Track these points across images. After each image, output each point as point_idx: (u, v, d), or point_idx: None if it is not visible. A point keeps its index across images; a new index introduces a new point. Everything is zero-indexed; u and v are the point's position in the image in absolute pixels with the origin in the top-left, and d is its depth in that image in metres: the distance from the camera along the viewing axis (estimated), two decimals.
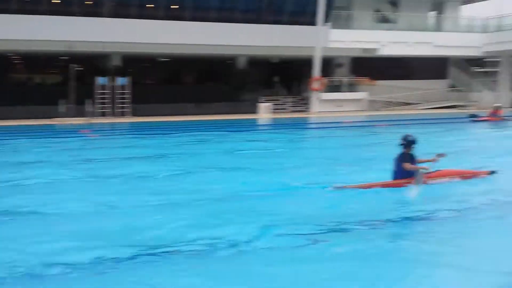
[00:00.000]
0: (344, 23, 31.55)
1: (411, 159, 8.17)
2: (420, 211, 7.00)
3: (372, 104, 33.11)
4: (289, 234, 5.87)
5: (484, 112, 24.92)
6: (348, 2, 32.26)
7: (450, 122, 22.75)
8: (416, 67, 37.81)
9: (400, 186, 8.04)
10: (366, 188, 8.19)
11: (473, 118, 23.41)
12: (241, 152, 13.54)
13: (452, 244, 5.65)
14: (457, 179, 8.56)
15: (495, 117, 22.89)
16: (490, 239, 5.91)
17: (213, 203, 7.41)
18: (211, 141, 15.87)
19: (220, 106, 27.06)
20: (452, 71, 38.69)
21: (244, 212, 6.84)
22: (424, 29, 34.48)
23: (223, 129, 19.64)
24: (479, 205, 7.27)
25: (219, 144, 15.07)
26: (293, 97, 31.60)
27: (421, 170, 8.02)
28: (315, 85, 28.91)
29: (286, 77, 32.04)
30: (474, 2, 38.29)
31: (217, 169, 10.39)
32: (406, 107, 34.07)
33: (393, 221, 6.68)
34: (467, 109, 30.60)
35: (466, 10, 38.01)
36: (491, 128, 20.11)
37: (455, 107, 34.01)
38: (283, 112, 28.96)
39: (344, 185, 8.29)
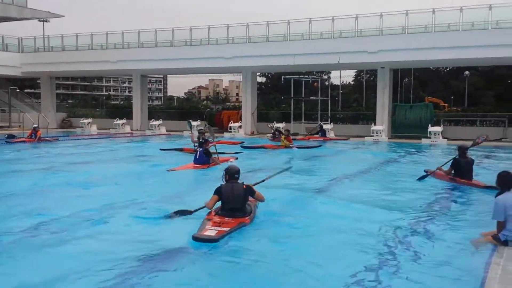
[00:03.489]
0: None
1: (209, 150, 13.32)
2: None
3: None
4: None
5: (25, 133, 24.47)
6: None
7: None
8: None
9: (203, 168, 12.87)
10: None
11: (10, 139, 22.40)
12: None
13: None
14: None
15: (33, 137, 22.60)
16: None
17: None
18: None
19: None
20: None
21: None
22: None
23: None
24: None
25: None
26: None
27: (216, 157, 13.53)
28: None
29: None
30: (7, 21, 37.25)
31: None
32: None
33: None
34: (11, 130, 29.33)
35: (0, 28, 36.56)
36: (26, 149, 19.56)
37: None
38: None
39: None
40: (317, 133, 26.10)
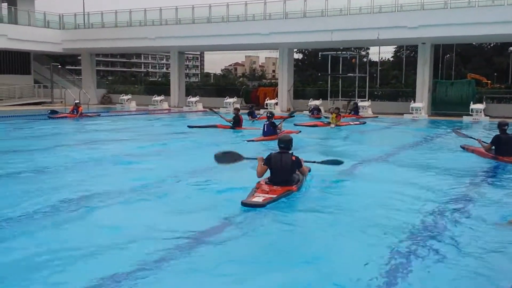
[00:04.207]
0: None
1: (274, 123, 14.62)
2: None
3: None
4: None
5: (67, 109, 25.17)
6: None
7: (27, 120, 21.68)
8: None
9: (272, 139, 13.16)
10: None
11: (52, 114, 23.08)
12: None
13: None
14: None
15: (75, 113, 23.23)
16: None
17: None
18: None
19: None
20: (36, 66, 37.66)
21: None
22: None
23: None
24: None
25: None
26: None
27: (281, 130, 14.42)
28: None
29: None
30: None
31: None
32: None
33: None
34: (53, 106, 30.23)
35: (41, 5, 37.33)
36: (67, 124, 20.20)
37: (42, 104, 33.11)
38: None
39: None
40: (350, 112, 25.82)
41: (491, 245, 5.23)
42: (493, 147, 10.70)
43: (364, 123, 21.31)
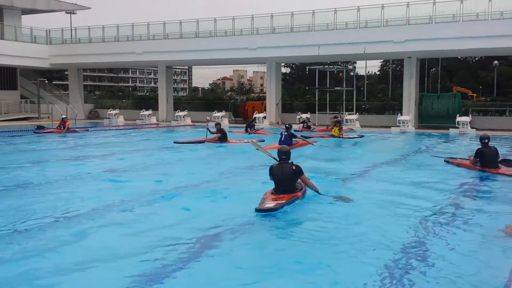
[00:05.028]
0: None
1: (293, 134, 16.13)
2: None
3: None
4: None
5: (54, 124, 24.95)
6: None
7: (13, 135, 21.42)
8: None
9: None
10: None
11: (38, 130, 22.89)
12: None
13: None
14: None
15: (62, 128, 23.02)
16: None
17: None
18: None
19: None
20: (23, 81, 37.40)
21: None
22: None
23: None
24: None
25: None
26: None
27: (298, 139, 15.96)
28: None
29: None
30: (35, 13, 37.93)
31: None
32: None
33: None
34: (40, 121, 29.98)
35: (28, 20, 37.25)
36: (54, 139, 19.97)
37: (29, 119, 32.83)
38: None
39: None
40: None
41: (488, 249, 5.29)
42: (478, 160, 10.78)
43: (362, 136, 21.37)
